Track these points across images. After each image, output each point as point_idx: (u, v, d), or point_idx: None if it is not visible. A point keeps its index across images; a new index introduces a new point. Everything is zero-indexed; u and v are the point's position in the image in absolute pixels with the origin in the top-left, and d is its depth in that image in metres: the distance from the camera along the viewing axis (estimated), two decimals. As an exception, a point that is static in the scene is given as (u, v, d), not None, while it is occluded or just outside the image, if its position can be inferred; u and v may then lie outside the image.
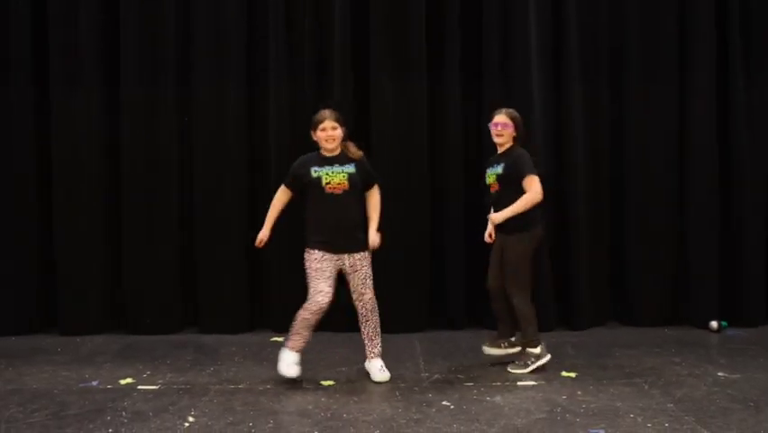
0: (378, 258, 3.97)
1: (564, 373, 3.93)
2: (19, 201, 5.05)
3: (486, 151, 4.42)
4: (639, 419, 3.20)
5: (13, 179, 5.03)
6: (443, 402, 3.48)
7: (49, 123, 5.02)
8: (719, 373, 3.90)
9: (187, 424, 3.23)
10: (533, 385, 3.72)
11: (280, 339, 4.83)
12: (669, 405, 3.38)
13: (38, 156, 5.08)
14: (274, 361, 4.22)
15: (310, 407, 3.44)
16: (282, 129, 5.00)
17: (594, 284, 5.09)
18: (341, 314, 4.38)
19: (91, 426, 3.23)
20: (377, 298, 3.89)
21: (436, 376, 3.94)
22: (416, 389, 3.71)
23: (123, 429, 3.18)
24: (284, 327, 4.97)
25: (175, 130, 5.05)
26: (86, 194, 5.01)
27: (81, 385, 3.85)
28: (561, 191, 4.99)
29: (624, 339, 4.71)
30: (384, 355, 3.98)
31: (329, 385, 3.79)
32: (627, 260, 5.13)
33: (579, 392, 3.60)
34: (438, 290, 5.10)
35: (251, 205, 5.07)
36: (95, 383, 3.88)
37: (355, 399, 3.56)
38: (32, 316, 5.10)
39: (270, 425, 3.21)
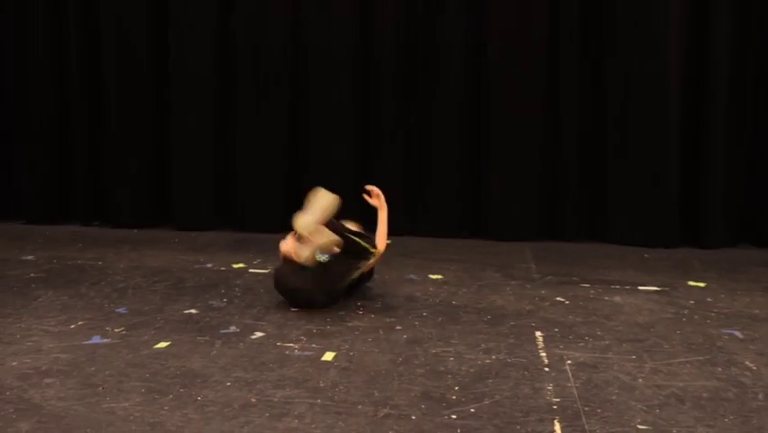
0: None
1: (692, 283, 3.63)
2: (137, 101, 5.21)
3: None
4: (781, 326, 2.90)
5: (132, 78, 5.19)
6: (557, 298, 3.32)
7: (167, 19, 5.13)
8: None
9: (297, 300, 3.25)
10: (656, 290, 3.47)
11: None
12: (819, 315, 3.03)
13: (157, 55, 5.21)
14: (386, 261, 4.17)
15: (418, 294, 3.39)
16: None
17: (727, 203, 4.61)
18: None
19: (207, 295, 3.35)
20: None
21: (549, 277, 3.76)
22: (528, 286, 3.57)
23: (236, 300, 3.27)
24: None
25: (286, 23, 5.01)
26: (202, 92, 5.10)
27: (197, 266, 3.99)
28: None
29: (760, 258, 4.21)
30: (493, 260, 3.86)
31: (437, 279, 3.72)
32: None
33: (709, 299, 3.32)
34: (548, 201, 4.84)
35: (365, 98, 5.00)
36: (209, 265, 4.01)
37: (464, 289, 3.47)
38: (149, 212, 5.32)
39: (378, 305, 3.18)
